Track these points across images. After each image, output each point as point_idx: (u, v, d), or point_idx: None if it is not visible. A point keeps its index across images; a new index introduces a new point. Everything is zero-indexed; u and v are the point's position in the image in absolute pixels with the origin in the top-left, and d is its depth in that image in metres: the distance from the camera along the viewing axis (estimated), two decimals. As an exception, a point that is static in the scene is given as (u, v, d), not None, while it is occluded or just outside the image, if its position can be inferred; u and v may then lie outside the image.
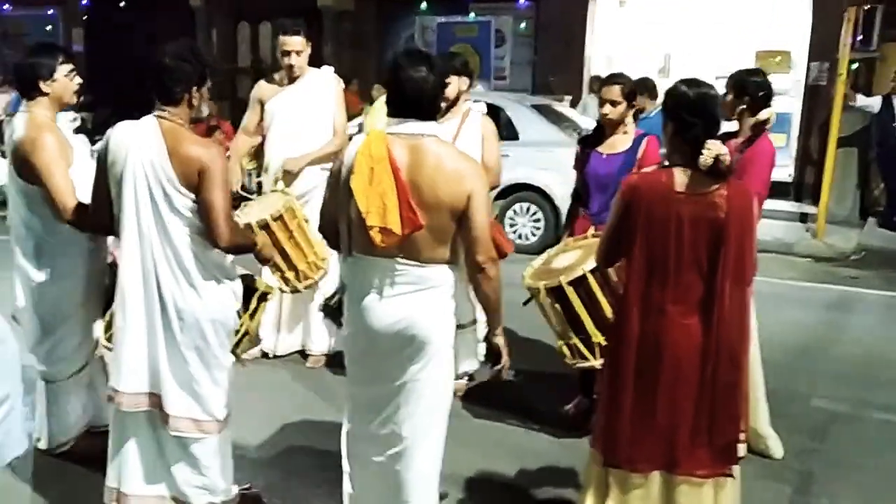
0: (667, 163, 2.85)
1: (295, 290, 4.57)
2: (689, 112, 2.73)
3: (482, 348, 4.60)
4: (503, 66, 12.83)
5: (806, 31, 10.57)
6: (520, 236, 8.67)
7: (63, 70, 3.50)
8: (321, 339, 5.11)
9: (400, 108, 2.79)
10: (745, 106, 3.81)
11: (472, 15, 13.04)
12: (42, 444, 3.78)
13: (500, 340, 2.94)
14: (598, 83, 8.80)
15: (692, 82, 2.80)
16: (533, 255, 7.87)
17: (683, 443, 2.77)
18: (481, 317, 3.09)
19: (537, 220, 8.59)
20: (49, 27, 16.73)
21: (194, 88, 3.03)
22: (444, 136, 3.89)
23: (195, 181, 2.92)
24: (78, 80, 3.57)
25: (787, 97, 10.94)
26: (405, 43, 13.57)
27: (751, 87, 3.81)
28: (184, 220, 2.96)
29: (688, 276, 2.72)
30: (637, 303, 2.78)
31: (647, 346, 2.77)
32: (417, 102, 2.75)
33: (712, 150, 2.65)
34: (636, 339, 2.78)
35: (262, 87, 5.00)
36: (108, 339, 3.49)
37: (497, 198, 8.52)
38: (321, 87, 4.89)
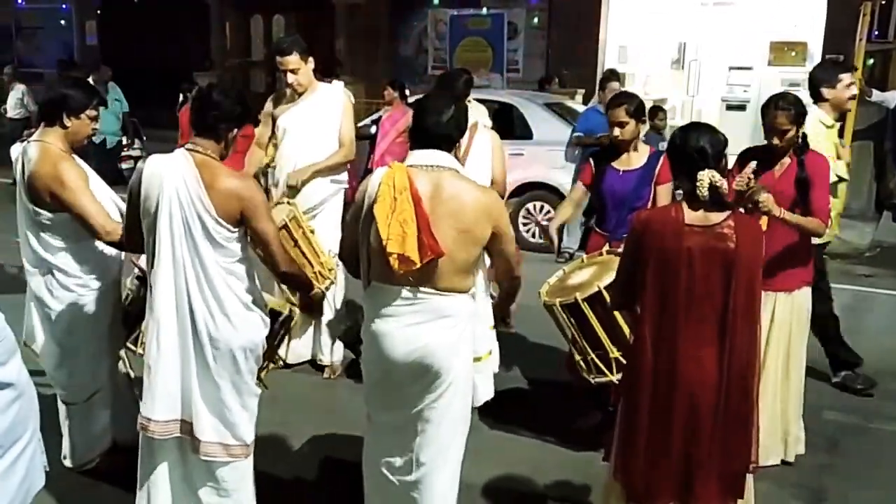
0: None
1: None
2: (685, 149, 2.83)
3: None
4: (516, 58, 12.80)
5: (821, 23, 10.46)
6: (533, 235, 8.71)
7: (90, 114, 3.55)
8: (332, 349, 5.17)
9: (422, 137, 2.91)
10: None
11: (484, 8, 12.99)
12: (68, 462, 3.87)
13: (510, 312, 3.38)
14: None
15: (690, 126, 2.92)
16: (546, 254, 8.04)
17: (697, 475, 2.81)
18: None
19: (551, 219, 8.58)
20: (63, 21, 16.78)
21: (234, 127, 3.11)
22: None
23: (234, 213, 3.01)
24: (96, 126, 3.64)
25: (803, 89, 10.85)
26: (417, 36, 13.53)
27: (804, 112, 3.84)
28: (219, 251, 3.03)
29: (700, 309, 2.76)
30: (651, 336, 2.82)
31: (661, 380, 2.81)
32: (437, 130, 2.88)
33: (704, 179, 2.72)
34: (650, 373, 2.82)
35: (273, 103, 5.07)
36: (134, 344, 3.60)
37: (511, 196, 8.54)
38: (330, 101, 4.95)
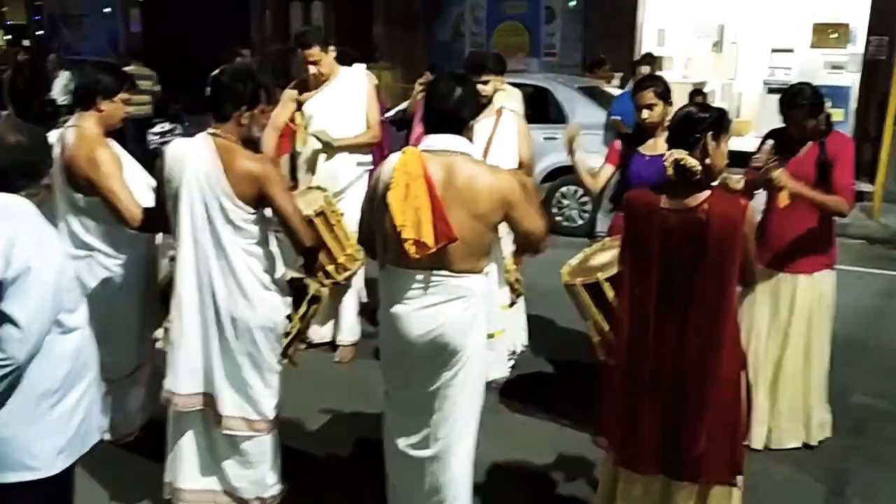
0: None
1: (335, 283, 4.71)
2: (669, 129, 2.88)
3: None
4: (553, 42, 12.71)
5: (865, 3, 10.24)
6: (567, 219, 8.71)
7: (123, 97, 3.66)
8: (350, 330, 5.29)
9: (433, 122, 2.97)
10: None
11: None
12: (107, 436, 4.00)
13: None
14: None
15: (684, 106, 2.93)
16: (581, 238, 8.05)
17: (673, 449, 2.85)
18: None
19: (585, 203, 8.60)
20: (108, 8, 17.09)
21: (244, 108, 3.19)
22: (482, 134, 4.04)
23: (253, 195, 3.10)
24: (129, 109, 3.75)
25: (846, 72, 10.66)
26: (455, 21, 13.51)
27: (821, 102, 3.82)
28: (238, 232, 3.14)
29: (675, 289, 2.78)
30: (627, 310, 2.90)
31: (634, 353, 2.88)
32: (445, 114, 2.93)
33: (669, 158, 2.74)
34: (626, 345, 2.90)
35: (297, 89, 5.14)
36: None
37: (545, 180, 8.55)
38: (354, 85, 5.05)
